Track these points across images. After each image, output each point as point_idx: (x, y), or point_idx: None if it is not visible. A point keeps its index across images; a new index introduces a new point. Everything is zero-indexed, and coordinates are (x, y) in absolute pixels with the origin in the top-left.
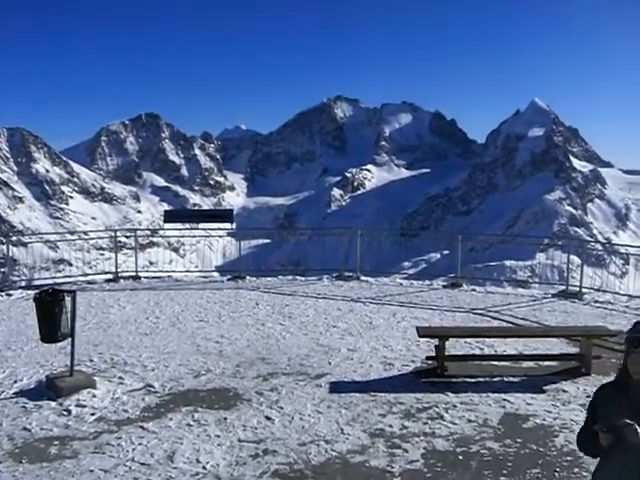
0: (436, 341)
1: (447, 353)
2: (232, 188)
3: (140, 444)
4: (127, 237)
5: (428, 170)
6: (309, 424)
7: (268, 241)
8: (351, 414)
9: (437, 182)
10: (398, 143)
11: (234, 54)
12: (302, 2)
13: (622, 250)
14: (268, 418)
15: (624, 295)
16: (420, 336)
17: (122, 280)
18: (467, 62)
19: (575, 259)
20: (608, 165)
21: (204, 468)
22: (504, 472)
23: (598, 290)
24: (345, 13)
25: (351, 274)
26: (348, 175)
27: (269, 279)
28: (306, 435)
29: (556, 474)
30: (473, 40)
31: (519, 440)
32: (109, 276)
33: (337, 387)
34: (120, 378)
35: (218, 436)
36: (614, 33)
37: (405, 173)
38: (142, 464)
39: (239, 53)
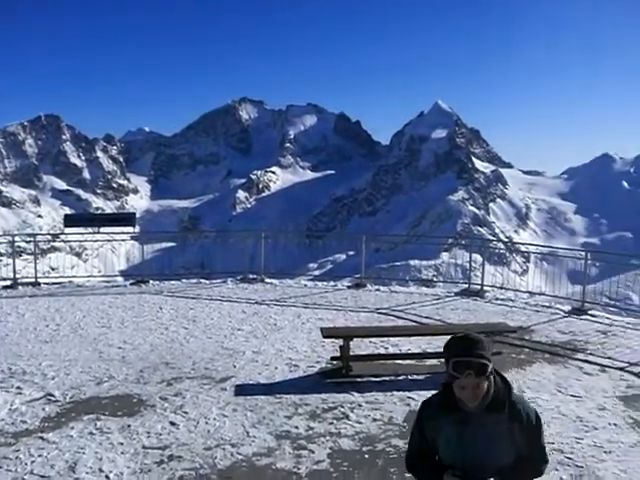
0: (341, 341)
1: (352, 353)
2: (136, 191)
3: (40, 456)
4: (27, 242)
5: (333, 172)
6: (214, 428)
7: (173, 244)
8: (257, 416)
9: (342, 183)
10: (303, 145)
11: (135, 51)
12: None
13: (523, 248)
14: (173, 423)
15: (524, 292)
16: (324, 337)
17: (20, 287)
18: (372, 64)
19: (478, 258)
20: (509, 166)
21: (107, 477)
22: None
23: (499, 288)
24: (246, 14)
25: (255, 276)
26: (253, 177)
27: (173, 283)
28: (212, 439)
29: None
30: (378, 41)
31: None
32: (7, 283)
33: (242, 390)
34: (18, 388)
35: (121, 444)
36: (515, 38)
37: (310, 175)
38: (42, 477)
39: (140, 50)
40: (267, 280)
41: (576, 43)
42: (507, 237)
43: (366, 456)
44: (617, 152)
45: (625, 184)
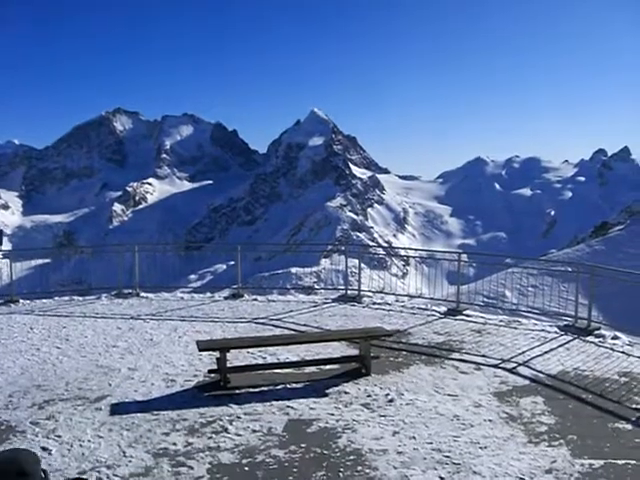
0: (217, 354)
1: (229, 365)
2: (6, 207)
3: None
4: None
5: (211, 181)
6: (89, 450)
7: (48, 261)
8: (133, 435)
9: (220, 193)
10: (180, 155)
11: None
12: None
13: (402, 252)
14: (45, 449)
15: (402, 295)
16: (200, 350)
17: None
18: (247, 73)
19: (357, 263)
20: (385, 171)
21: None
22: (290, 478)
23: (377, 292)
24: (120, 25)
25: (130, 291)
26: (129, 189)
27: (45, 301)
28: (86, 462)
29: (340, 474)
30: (251, 51)
31: (303, 445)
32: None
33: (118, 409)
34: None
35: None
36: (385, 43)
37: (188, 185)
38: None
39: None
40: (142, 294)
41: (437, 47)
42: (386, 241)
43: (246, 468)
44: (489, 155)
45: (497, 186)
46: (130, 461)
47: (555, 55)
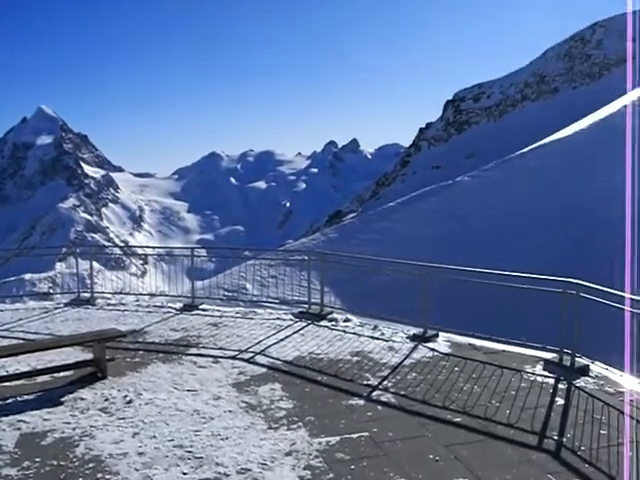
0: None
1: None
2: None
3: None
4: None
5: None
6: None
7: None
8: None
9: None
10: None
11: None
12: None
13: (140, 251)
14: None
15: (144, 295)
16: None
17: None
18: None
19: (95, 265)
20: (119, 169)
21: None
22: None
23: (114, 293)
24: None
25: None
26: None
27: None
28: None
29: None
30: None
31: (38, 459)
32: None
33: None
34: None
35: None
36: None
37: None
38: None
39: None
40: None
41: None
42: (123, 241)
43: None
44: (224, 150)
45: (233, 180)
46: None
47: (279, 53)
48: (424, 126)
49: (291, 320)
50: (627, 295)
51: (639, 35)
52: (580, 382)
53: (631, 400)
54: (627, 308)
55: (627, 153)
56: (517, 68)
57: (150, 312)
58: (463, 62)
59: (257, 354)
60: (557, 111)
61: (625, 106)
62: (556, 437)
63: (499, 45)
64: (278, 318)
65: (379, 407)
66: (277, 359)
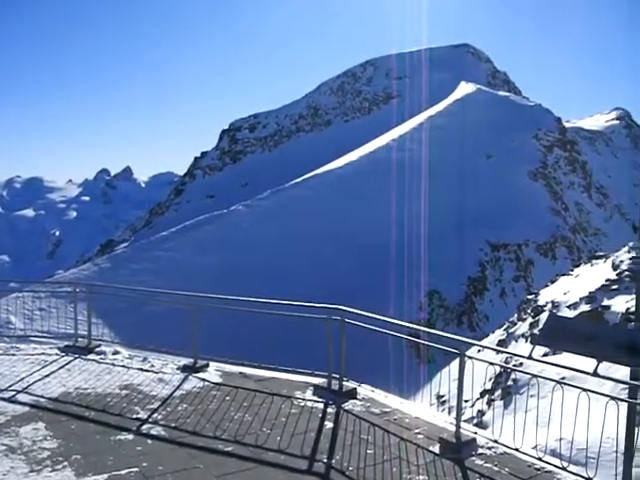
0: None
1: None
2: None
3: None
4: None
5: None
6: None
7: None
8: None
9: None
10: None
11: None
12: None
13: None
14: None
15: None
16: None
17: None
18: None
19: None
20: None
21: None
22: None
23: None
24: None
25: None
26: None
27: None
28: None
29: None
30: None
31: None
32: None
33: None
34: None
35: None
36: None
37: None
38: None
39: None
40: None
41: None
42: None
43: None
44: None
45: None
46: None
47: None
48: (199, 155)
49: (57, 355)
50: (388, 319)
51: (408, 74)
52: (348, 405)
53: (395, 419)
54: (387, 331)
55: (392, 183)
56: (292, 100)
57: None
58: (240, 92)
59: (19, 392)
60: (330, 143)
61: (392, 140)
62: (325, 460)
63: (276, 76)
64: (43, 353)
65: (149, 441)
66: (41, 396)
